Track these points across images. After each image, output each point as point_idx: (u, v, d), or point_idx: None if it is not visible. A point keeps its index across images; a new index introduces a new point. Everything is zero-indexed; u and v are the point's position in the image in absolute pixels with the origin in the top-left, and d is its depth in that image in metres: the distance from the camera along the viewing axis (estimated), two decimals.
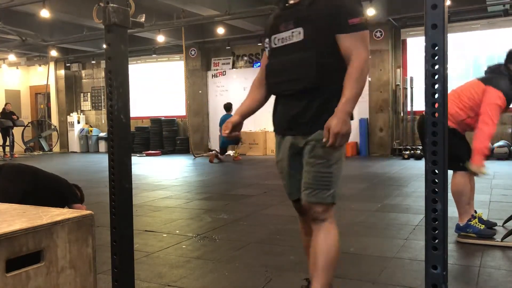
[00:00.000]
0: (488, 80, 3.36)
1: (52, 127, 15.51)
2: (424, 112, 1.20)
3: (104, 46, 1.32)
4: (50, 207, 1.61)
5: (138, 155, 12.98)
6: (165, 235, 3.78)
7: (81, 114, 15.95)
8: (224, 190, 6.35)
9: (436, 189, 1.02)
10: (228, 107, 11.06)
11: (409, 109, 11.18)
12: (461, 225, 3.40)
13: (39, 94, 16.69)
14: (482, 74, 3.50)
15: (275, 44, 2.08)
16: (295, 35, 1.99)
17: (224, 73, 13.45)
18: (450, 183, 3.35)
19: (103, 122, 15.76)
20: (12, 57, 14.60)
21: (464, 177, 3.36)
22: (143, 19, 2.39)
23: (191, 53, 13.42)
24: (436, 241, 1.02)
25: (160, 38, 11.86)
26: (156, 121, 14.09)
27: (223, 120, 10.85)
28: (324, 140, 1.87)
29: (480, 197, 4.68)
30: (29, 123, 15.17)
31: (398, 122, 11.42)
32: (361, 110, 11.63)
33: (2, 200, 2.90)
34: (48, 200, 3.45)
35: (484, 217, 3.67)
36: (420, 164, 8.63)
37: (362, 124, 11.39)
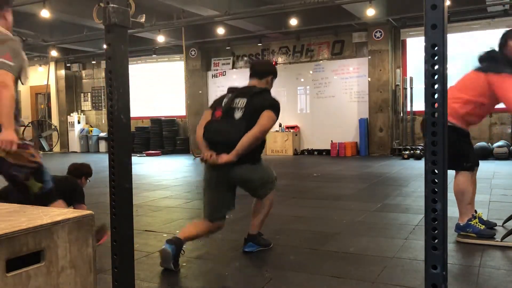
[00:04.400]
0: (486, 68, 3.33)
1: (53, 127, 15.51)
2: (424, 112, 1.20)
3: (104, 46, 1.32)
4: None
5: (138, 155, 12.98)
6: (165, 235, 3.78)
7: (82, 114, 15.96)
8: None
9: (436, 189, 1.02)
10: None
11: (408, 109, 11.18)
12: (461, 224, 3.40)
13: (40, 94, 16.70)
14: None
15: None
16: None
17: (224, 74, 13.46)
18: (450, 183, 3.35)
19: (103, 122, 15.77)
20: None
21: (467, 177, 3.36)
22: (143, 19, 2.39)
23: (191, 54, 13.43)
24: (436, 241, 1.02)
25: (160, 39, 11.86)
26: (156, 121, 14.10)
27: None
28: None
29: (480, 197, 4.68)
30: (29, 123, 15.16)
31: (397, 122, 11.43)
32: (361, 110, 11.63)
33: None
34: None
35: (484, 217, 3.67)
36: (420, 164, 8.63)
37: (362, 124, 11.39)
